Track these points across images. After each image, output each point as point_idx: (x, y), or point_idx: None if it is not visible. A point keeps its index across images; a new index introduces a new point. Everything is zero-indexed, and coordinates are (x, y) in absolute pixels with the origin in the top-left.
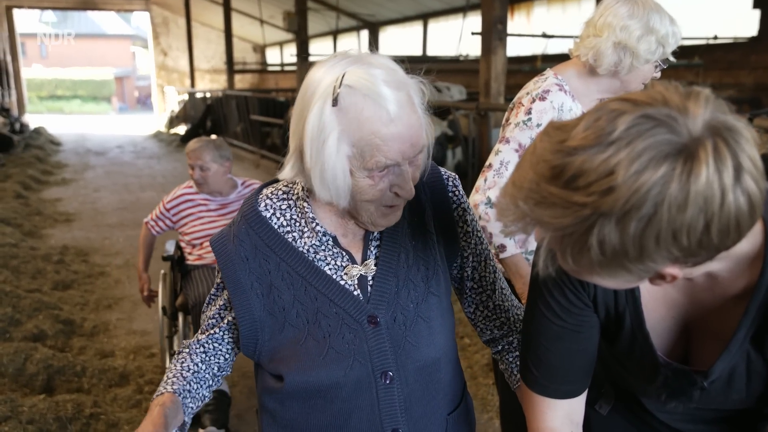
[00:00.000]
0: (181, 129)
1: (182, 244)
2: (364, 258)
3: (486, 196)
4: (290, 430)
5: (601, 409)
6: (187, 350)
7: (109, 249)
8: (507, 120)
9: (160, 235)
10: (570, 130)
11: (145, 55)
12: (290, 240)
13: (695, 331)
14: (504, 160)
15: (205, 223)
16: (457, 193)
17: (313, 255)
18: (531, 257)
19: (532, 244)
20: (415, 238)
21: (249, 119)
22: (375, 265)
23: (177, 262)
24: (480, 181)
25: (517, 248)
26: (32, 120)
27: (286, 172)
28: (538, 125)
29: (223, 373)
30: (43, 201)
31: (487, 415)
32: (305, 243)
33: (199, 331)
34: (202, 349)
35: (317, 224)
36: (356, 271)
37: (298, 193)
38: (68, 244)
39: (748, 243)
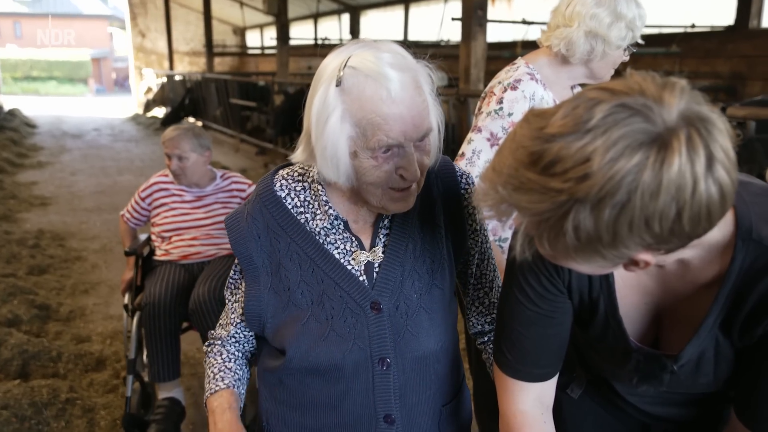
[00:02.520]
0: (159, 112)
1: (153, 237)
2: (373, 245)
3: None
4: (285, 406)
5: (572, 393)
6: (220, 342)
7: (85, 233)
8: (479, 109)
9: (139, 227)
10: (549, 118)
11: (123, 36)
12: (302, 221)
13: (666, 317)
14: (476, 149)
15: (177, 215)
16: (469, 190)
17: (324, 237)
18: (504, 244)
19: (506, 232)
20: (424, 230)
21: (228, 103)
22: (382, 252)
23: (146, 257)
24: None
25: (490, 236)
26: (6, 101)
27: (298, 155)
28: (510, 114)
29: (254, 352)
30: (18, 184)
31: None
32: (317, 225)
33: (225, 320)
34: (233, 340)
35: (330, 207)
36: (364, 257)
37: (313, 176)
38: (44, 228)
39: (720, 231)
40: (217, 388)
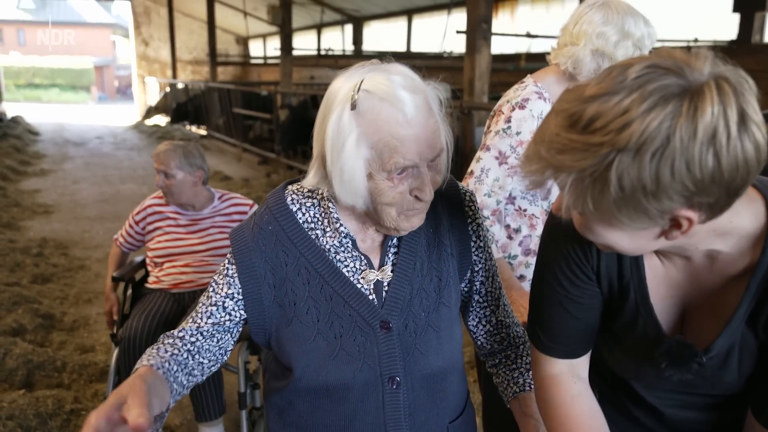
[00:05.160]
0: (160, 120)
1: (147, 261)
2: (382, 264)
3: None
4: (295, 428)
5: None
6: (180, 334)
7: (89, 242)
8: (488, 127)
9: (132, 251)
10: (586, 86)
11: (126, 44)
12: (313, 237)
13: (694, 311)
14: (485, 168)
15: (170, 240)
16: (473, 207)
17: (334, 255)
18: (513, 261)
19: (514, 249)
20: (431, 248)
21: (231, 112)
22: (391, 271)
23: (137, 283)
24: None
25: (498, 253)
26: (9, 109)
27: (309, 180)
28: (518, 133)
29: (212, 366)
30: (22, 192)
31: (479, 419)
32: (327, 242)
33: (196, 315)
34: (194, 339)
35: (341, 225)
36: (373, 275)
37: (322, 194)
38: (47, 236)
39: (751, 222)
40: (138, 367)
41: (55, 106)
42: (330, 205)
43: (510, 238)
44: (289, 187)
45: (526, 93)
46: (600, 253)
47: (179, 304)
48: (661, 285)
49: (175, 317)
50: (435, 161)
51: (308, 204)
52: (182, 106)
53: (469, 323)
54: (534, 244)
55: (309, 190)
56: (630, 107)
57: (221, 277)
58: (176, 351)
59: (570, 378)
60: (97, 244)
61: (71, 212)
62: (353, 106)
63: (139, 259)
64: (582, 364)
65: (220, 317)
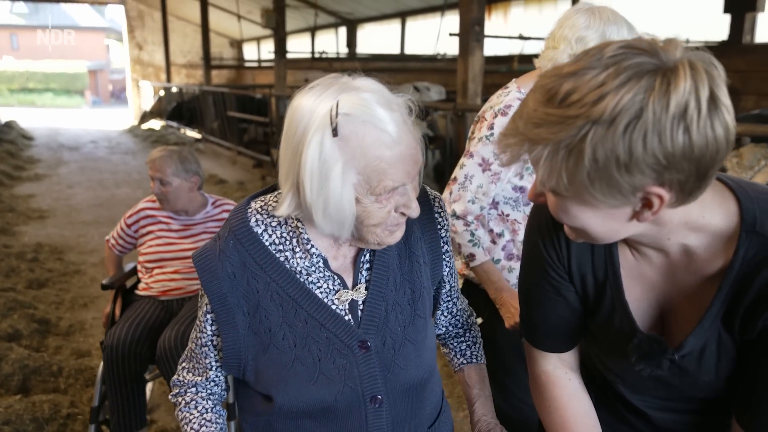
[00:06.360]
0: (155, 124)
1: (138, 267)
2: (355, 282)
3: (452, 209)
4: None
5: None
6: (193, 389)
7: (84, 246)
8: (472, 133)
9: (124, 254)
10: (565, 64)
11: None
12: (282, 260)
13: (670, 311)
14: (468, 174)
15: (162, 245)
16: (442, 213)
17: (306, 277)
18: (497, 266)
19: (497, 253)
20: (402, 260)
21: (226, 115)
22: (366, 289)
23: (127, 290)
24: (446, 194)
25: (486, 256)
26: (3, 113)
27: (283, 210)
28: None
29: (223, 397)
30: (16, 197)
31: (463, 413)
32: (297, 264)
33: (196, 364)
34: (213, 384)
35: (312, 246)
36: (348, 296)
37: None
38: (42, 241)
39: (724, 220)
40: None
41: (49, 110)
42: (299, 225)
43: (494, 242)
44: (253, 204)
45: (509, 99)
46: (570, 252)
47: (167, 312)
48: (636, 283)
49: (162, 325)
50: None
51: (274, 224)
52: (179, 107)
53: (434, 316)
54: (516, 248)
55: (274, 207)
56: (605, 81)
57: (202, 313)
58: (212, 406)
59: (564, 374)
60: (92, 249)
61: (66, 217)
62: (335, 132)
63: (131, 266)
64: (573, 356)
65: (215, 356)
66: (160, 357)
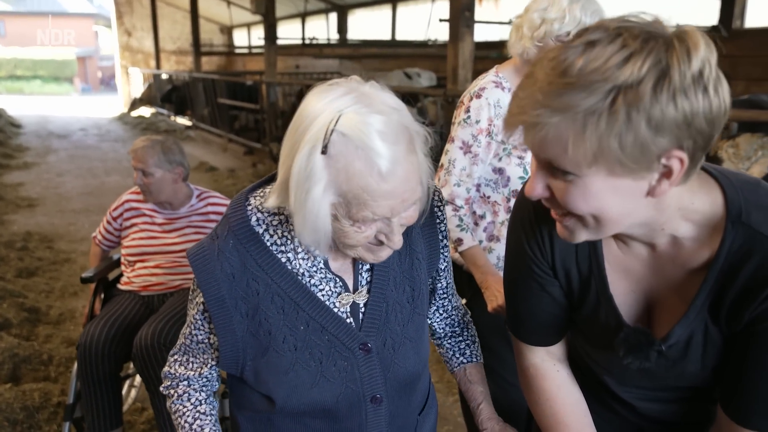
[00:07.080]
0: (145, 111)
1: (122, 260)
2: (356, 284)
3: None
4: None
5: None
6: (185, 382)
7: (74, 235)
8: (454, 119)
9: (111, 249)
10: (560, 44)
11: (109, 34)
12: (284, 261)
13: (656, 303)
14: (452, 159)
15: (144, 238)
16: (441, 207)
17: (308, 279)
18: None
19: (479, 235)
20: (402, 257)
21: (216, 102)
22: (367, 291)
23: (109, 283)
24: (434, 181)
25: (473, 240)
26: None
27: (272, 202)
28: (477, 122)
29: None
30: (5, 185)
31: (452, 398)
32: (299, 265)
33: (191, 358)
34: (205, 380)
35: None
36: (350, 299)
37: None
38: (32, 230)
39: (710, 207)
40: None
41: (37, 98)
42: None
43: (476, 224)
44: (252, 201)
45: (484, 82)
46: (554, 247)
47: (147, 308)
48: (622, 277)
49: (140, 322)
50: (407, 211)
51: (275, 223)
52: (174, 90)
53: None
54: (497, 230)
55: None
56: (625, 44)
57: (197, 311)
58: (205, 398)
59: (552, 366)
60: (82, 237)
61: (56, 205)
62: (324, 150)
63: (115, 257)
64: (560, 348)
65: (211, 353)
66: (136, 355)
